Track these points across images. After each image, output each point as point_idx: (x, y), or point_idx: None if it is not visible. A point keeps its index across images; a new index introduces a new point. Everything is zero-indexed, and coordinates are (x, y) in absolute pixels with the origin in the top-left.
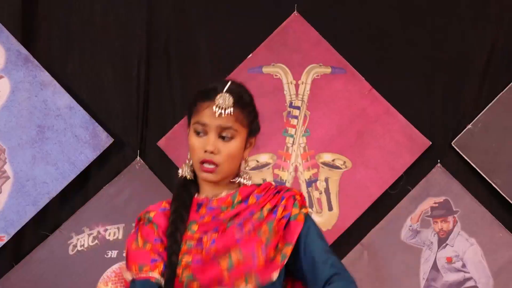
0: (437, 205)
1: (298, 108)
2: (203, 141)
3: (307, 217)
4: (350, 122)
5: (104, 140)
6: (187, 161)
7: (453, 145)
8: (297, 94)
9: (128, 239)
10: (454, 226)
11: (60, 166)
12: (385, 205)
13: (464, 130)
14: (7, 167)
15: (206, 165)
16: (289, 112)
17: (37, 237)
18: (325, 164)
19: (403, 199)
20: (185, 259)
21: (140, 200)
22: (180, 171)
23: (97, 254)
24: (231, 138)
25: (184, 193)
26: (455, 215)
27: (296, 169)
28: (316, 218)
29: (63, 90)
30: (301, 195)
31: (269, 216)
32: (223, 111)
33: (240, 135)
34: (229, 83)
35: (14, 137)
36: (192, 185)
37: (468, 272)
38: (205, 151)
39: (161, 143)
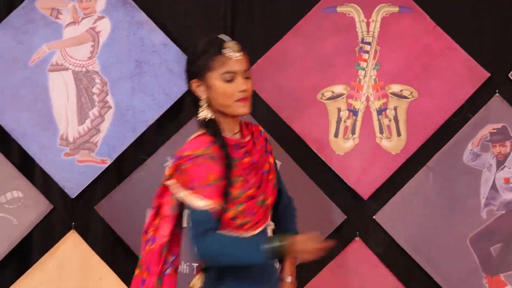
0: (495, 130)
1: (369, 43)
2: (234, 85)
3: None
4: (416, 56)
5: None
6: (205, 106)
7: (510, 77)
8: (368, 31)
9: (200, 168)
10: (511, 150)
11: (156, 97)
12: (448, 131)
13: None
14: (109, 98)
15: (243, 102)
16: (361, 47)
17: (136, 161)
18: (394, 94)
19: (465, 125)
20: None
21: None
22: (201, 114)
23: None
24: (249, 76)
25: (217, 130)
26: None
27: (367, 99)
28: (386, 143)
29: (158, 28)
30: (263, 130)
31: (264, 154)
32: (238, 54)
33: (251, 73)
34: (223, 35)
35: (115, 71)
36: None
37: None
38: (241, 91)
39: None
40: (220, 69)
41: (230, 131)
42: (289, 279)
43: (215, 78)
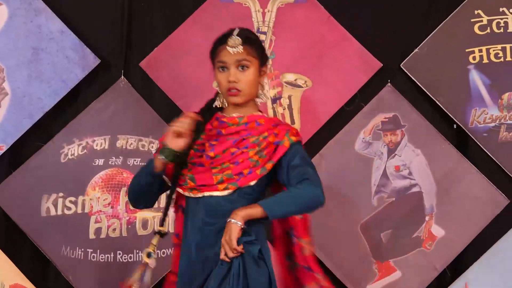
0: (387, 120)
1: (264, 33)
2: (226, 75)
3: (294, 143)
4: (310, 46)
5: (92, 61)
6: (218, 87)
7: (401, 67)
8: (263, 21)
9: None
10: (402, 139)
11: (53, 84)
12: (341, 120)
13: (412, 53)
14: (5, 85)
15: (232, 91)
16: None
17: (32, 147)
18: (288, 83)
19: (357, 114)
20: (192, 161)
21: (124, 114)
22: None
23: (86, 162)
24: (247, 67)
25: (208, 112)
26: (403, 129)
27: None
28: None
29: (55, 16)
30: (297, 131)
31: (262, 141)
32: (234, 49)
33: (253, 65)
34: (237, 29)
35: (12, 58)
36: (217, 109)
37: (414, 179)
38: (229, 82)
39: (143, 64)
40: (216, 58)
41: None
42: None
43: (215, 66)
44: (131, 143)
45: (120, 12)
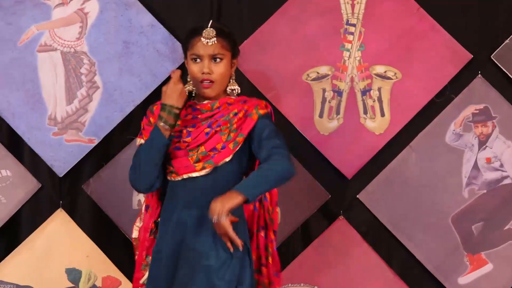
0: (477, 111)
1: (353, 25)
2: (200, 66)
3: (263, 116)
4: (400, 38)
5: (182, 53)
6: (189, 81)
7: (492, 58)
8: (353, 13)
9: (142, 121)
10: (493, 130)
11: (143, 78)
12: (431, 112)
13: (502, 44)
14: (97, 78)
15: (205, 83)
16: (346, 29)
17: (123, 141)
18: (378, 75)
19: (447, 106)
20: (170, 148)
21: None
22: (186, 87)
23: None
24: (221, 59)
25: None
26: (494, 120)
27: (352, 80)
28: (369, 123)
29: (146, 9)
30: (265, 103)
31: (232, 118)
32: (209, 41)
33: (226, 57)
34: (211, 21)
35: (103, 52)
36: (192, 96)
37: (505, 171)
38: (203, 73)
39: None
40: (190, 50)
41: (200, 101)
42: (214, 219)
43: (188, 58)
44: None
45: (209, 5)
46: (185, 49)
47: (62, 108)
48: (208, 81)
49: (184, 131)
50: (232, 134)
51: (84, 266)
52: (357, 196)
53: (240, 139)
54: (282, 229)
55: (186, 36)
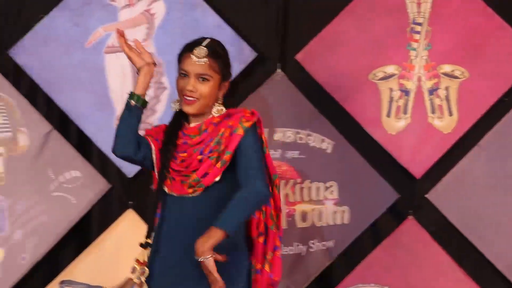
0: None
1: (420, 24)
2: (185, 82)
3: (248, 129)
4: (467, 37)
5: (248, 54)
6: (178, 98)
7: None
8: (419, 12)
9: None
10: None
11: None
12: (499, 110)
13: None
14: (164, 79)
15: (188, 99)
16: (412, 28)
17: None
18: (445, 74)
19: None
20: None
21: (281, 107)
22: (172, 105)
23: None
24: (207, 80)
25: (175, 120)
26: None
27: (419, 79)
28: (437, 122)
29: (212, 10)
30: (251, 112)
31: (220, 139)
32: (198, 60)
33: (214, 79)
34: (207, 40)
35: (170, 53)
36: (184, 115)
37: None
38: (187, 90)
39: (299, 57)
40: (180, 64)
41: (189, 122)
42: (199, 259)
43: (178, 71)
44: (289, 136)
45: (275, 5)
46: (178, 62)
47: None
48: (191, 98)
49: (178, 156)
50: (220, 155)
51: None
52: (426, 195)
53: (227, 156)
54: (351, 229)
55: (180, 50)
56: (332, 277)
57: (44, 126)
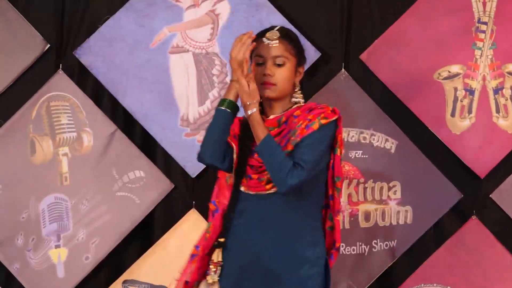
0: None
1: (485, 23)
2: (262, 69)
3: (323, 126)
4: None
5: (313, 54)
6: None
7: None
8: (484, 11)
9: None
10: None
11: None
12: None
13: None
14: (228, 79)
15: (267, 84)
16: (477, 27)
17: None
18: (510, 73)
19: None
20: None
21: (345, 107)
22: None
23: None
24: (283, 64)
25: None
26: None
27: (484, 78)
28: (502, 122)
29: (276, 10)
30: (333, 110)
31: (296, 129)
32: (271, 42)
33: (290, 62)
34: (278, 26)
35: None
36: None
37: None
38: (264, 75)
39: (363, 56)
40: (254, 52)
41: (265, 112)
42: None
43: (253, 61)
44: (353, 136)
45: (339, 4)
46: (252, 51)
47: (194, 109)
48: (269, 83)
49: (255, 152)
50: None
51: None
52: (490, 195)
53: (294, 145)
54: (414, 229)
55: (253, 40)
56: (395, 277)
57: (108, 126)
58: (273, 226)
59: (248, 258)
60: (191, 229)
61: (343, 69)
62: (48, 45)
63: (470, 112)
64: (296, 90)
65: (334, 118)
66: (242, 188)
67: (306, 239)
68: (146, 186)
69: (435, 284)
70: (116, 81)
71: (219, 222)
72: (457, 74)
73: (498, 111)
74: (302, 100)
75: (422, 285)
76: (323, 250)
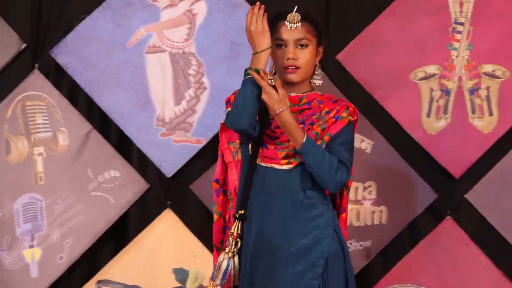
0: None
1: (462, 24)
2: (284, 52)
3: (351, 123)
4: (509, 37)
5: None
6: (271, 70)
7: None
8: (461, 12)
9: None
10: None
11: None
12: None
13: None
14: (204, 79)
15: (290, 69)
16: (454, 28)
17: None
18: (487, 74)
19: None
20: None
21: None
22: (270, 78)
23: None
24: (306, 46)
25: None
26: None
27: (460, 79)
28: (478, 122)
29: None
30: (354, 107)
31: (324, 116)
32: (293, 25)
33: (312, 43)
34: (296, 6)
35: (211, 53)
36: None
37: None
38: (287, 59)
39: (340, 56)
40: (274, 35)
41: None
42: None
43: (273, 43)
44: None
45: (316, 4)
46: (271, 34)
47: (170, 109)
48: (293, 67)
49: (274, 122)
50: (320, 133)
51: (192, 266)
52: (465, 196)
53: (327, 138)
54: (389, 229)
55: (270, 21)
56: (369, 277)
57: (84, 126)
58: (286, 200)
59: (264, 231)
60: (165, 229)
61: (319, 70)
62: (24, 45)
63: (446, 112)
64: (316, 70)
65: (356, 118)
66: (257, 160)
67: (314, 212)
68: (121, 186)
69: (409, 284)
70: (92, 80)
71: (226, 200)
72: (433, 75)
73: (474, 112)
74: (320, 81)
75: (397, 285)
76: (332, 216)
